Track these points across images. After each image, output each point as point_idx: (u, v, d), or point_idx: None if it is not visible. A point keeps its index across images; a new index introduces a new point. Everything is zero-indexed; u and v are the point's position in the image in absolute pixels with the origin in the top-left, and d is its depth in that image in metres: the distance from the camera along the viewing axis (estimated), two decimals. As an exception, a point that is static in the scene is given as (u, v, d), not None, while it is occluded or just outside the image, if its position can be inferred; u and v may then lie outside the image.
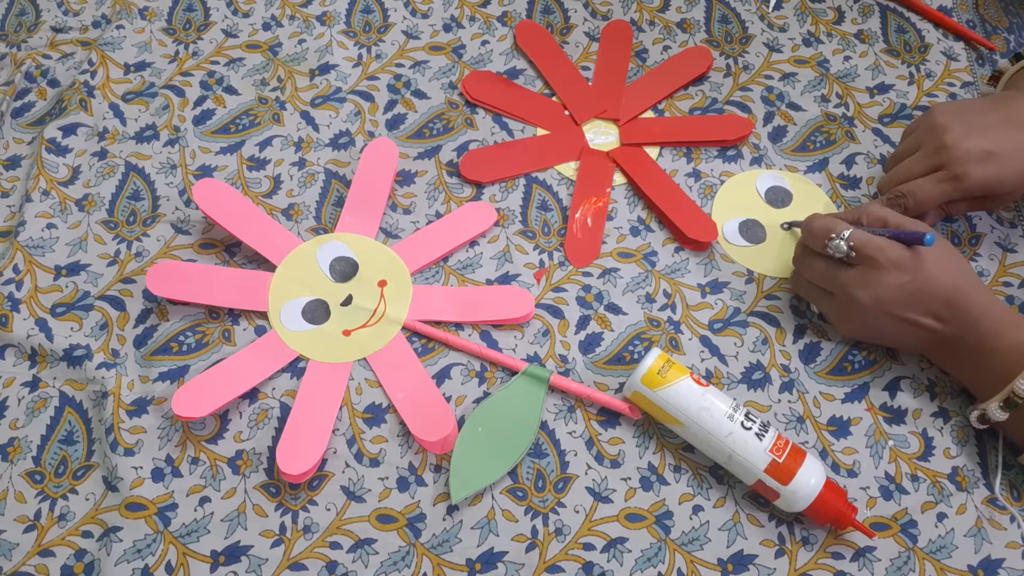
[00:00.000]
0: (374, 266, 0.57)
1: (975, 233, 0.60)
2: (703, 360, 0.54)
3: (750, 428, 0.48)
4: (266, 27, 0.69)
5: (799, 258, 0.54)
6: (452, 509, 0.49)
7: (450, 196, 0.61)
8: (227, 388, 0.51)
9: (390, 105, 0.65)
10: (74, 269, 0.57)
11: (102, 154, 0.62)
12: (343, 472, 0.50)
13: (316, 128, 0.64)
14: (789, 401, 0.53)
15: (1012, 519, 0.49)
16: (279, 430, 0.51)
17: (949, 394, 0.53)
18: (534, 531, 0.48)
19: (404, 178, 0.62)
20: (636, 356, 0.54)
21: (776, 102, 0.67)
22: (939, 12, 0.71)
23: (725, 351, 0.55)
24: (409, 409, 0.51)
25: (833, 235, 0.50)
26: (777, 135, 0.65)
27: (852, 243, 0.49)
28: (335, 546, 0.48)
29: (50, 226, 0.58)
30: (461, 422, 0.51)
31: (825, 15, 0.72)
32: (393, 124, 0.64)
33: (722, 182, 0.62)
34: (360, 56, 0.68)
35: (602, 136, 0.65)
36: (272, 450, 0.50)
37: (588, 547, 0.48)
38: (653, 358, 0.50)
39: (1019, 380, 0.46)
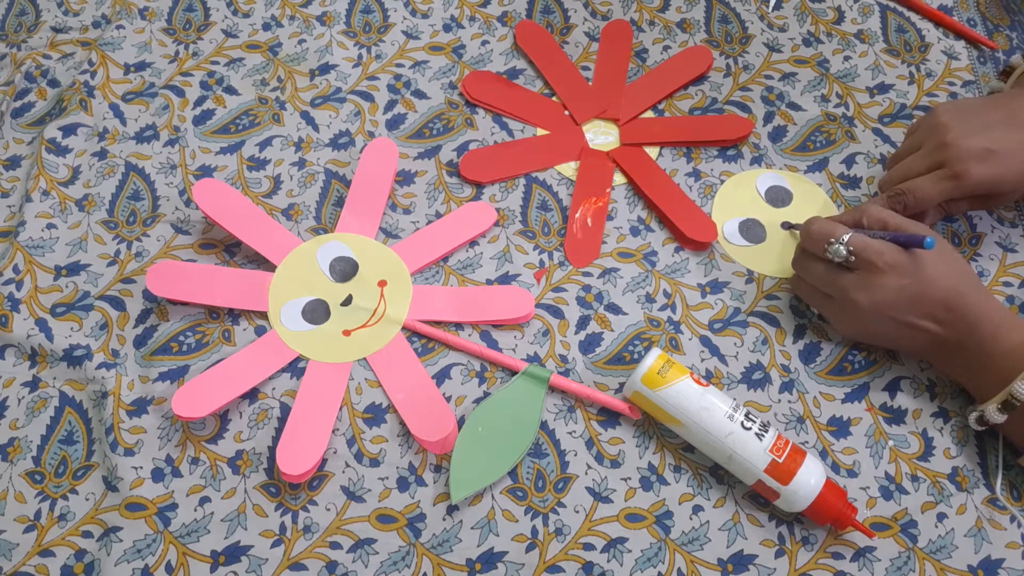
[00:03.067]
0: (374, 266, 0.57)
1: (975, 233, 0.60)
2: (703, 360, 0.54)
3: (750, 428, 0.48)
4: (266, 27, 0.69)
5: (798, 261, 0.54)
6: (452, 509, 0.49)
7: (450, 196, 0.61)
8: (227, 388, 0.51)
9: (390, 105, 0.65)
10: (74, 269, 0.57)
11: (102, 154, 0.62)
12: (343, 472, 0.50)
13: (316, 128, 0.64)
14: (789, 401, 0.53)
15: (1012, 519, 0.49)
16: (279, 430, 0.51)
17: (949, 394, 0.53)
18: (534, 531, 0.48)
19: (404, 178, 0.62)
20: (636, 356, 0.54)
21: (776, 102, 0.66)
22: (939, 11, 0.71)
23: (725, 351, 0.55)
24: (409, 409, 0.51)
25: (832, 240, 0.50)
26: (777, 135, 0.65)
27: (851, 247, 0.49)
28: (335, 546, 0.48)
29: (50, 226, 0.58)
30: (461, 422, 0.51)
31: (825, 15, 0.72)
32: (393, 124, 0.64)
33: (722, 182, 0.62)
34: (360, 56, 0.68)
35: (602, 136, 0.65)
36: (272, 450, 0.50)
37: (588, 547, 0.48)
38: (653, 358, 0.50)
39: (1017, 383, 0.46)
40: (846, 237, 0.49)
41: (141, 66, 0.66)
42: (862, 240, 0.49)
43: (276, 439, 0.51)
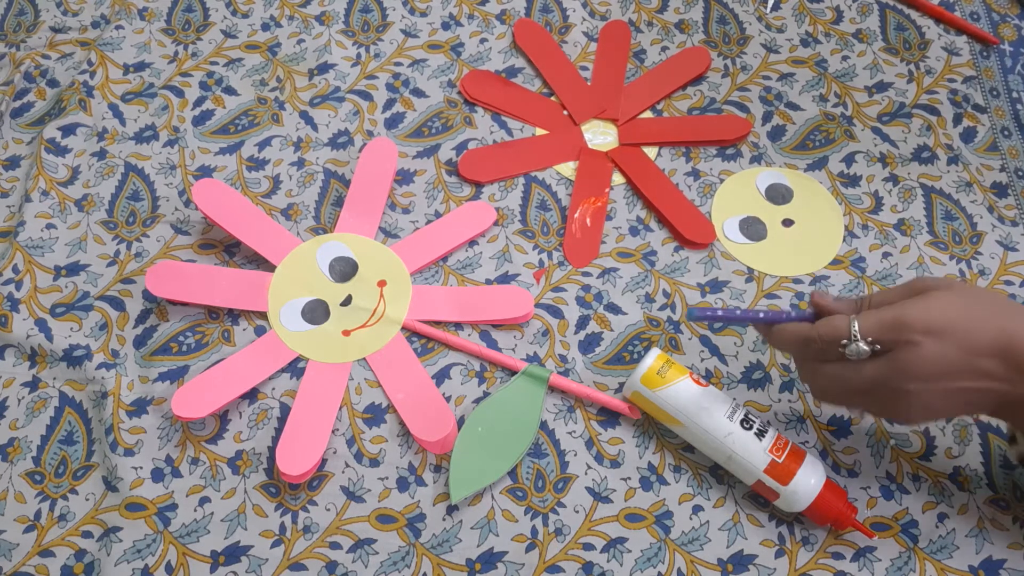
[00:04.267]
0: (374, 266, 0.57)
1: (976, 232, 0.60)
2: (703, 360, 0.54)
3: (750, 428, 0.48)
4: (265, 27, 0.69)
5: (815, 375, 0.44)
6: (452, 509, 0.49)
7: (449, 195, 0.61)
8: (227, 388, 0.51)
9: (389, 104, 0.65)
10: (74, 269, 0.57)
11: (101, 154, 0.62)
12: (343, 472, 0.50)
13: (315, 128, 0.64)
14: (789, 401, 0.53)
15: (1015, 519, 0.49)
16: (279, 430, 0.51)
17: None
18: (534, 531, 0.48)
19: (403, 177, 0.62)
20: (636, 356, 0.54)
21: (775, 102, 0.66)
22: (939, 7, 0.71)
23: (725, 351, 0.55)
24: (409, 409, 0.51)
25: (846, 340, 0.42)
26: (776, 134, 0.65)
27: (870, 338, 0.41)
28: (335, 546, 0.48)
29: (50, 226, 0.58)
30: (461, 422, 0.51)
31: (823, 15, 0.72)
32: (392, 123, 0.64)
33: (721, 181, 0.62)
34: (359, 55, 0.68)
35: (601, 136, 0.65)
36: (272, 450, 0.50)
37: (588, 547, 0.48)
38: (653, 358, 0.50)
39: None
40: (856, 328, 0.41)
41: (140, 66, 0.66)
42: (874, 322, 0.41)
43: (276, 439, 0.51)
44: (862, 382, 0.42)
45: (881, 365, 0.41)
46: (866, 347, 0.41)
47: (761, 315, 0.45)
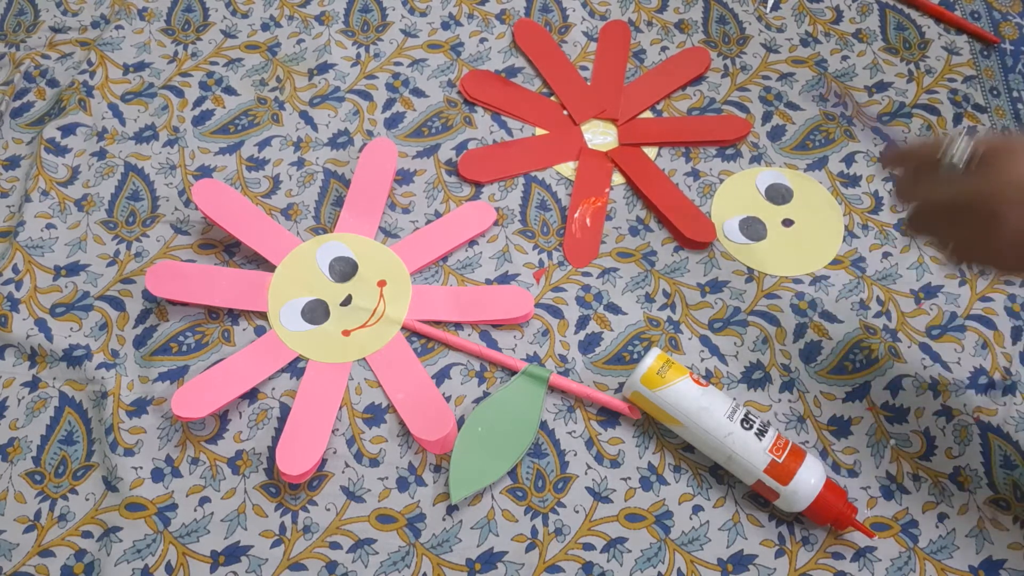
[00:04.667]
0: (373, 266, 0.57)
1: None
2: (703, 360, 0.54)
3: (750, 428, 0.48)
4: (265, 27, 0.69)
5: (909, 186, 0.42)
6: (452, 509, 0.49)
7: (449, 195, 0.61)
8: (227, 388, 0.51)
9: (389, 104, 0.65)
10: (74, 269, 0.57)
11: (101, 154, 0.62)
12: (343, 472, 0.50)
13: (315, 128, 0.64)
14: (789, 401, 0.53)
15: (1016, 520, 0.49)
16: (279, 430, 0.51)
17: (952, 392, 0.53)
18: (534, 531, 0.48)
19: (403, 177, 0.62)
20: (636, 356, 0.54)
21: (774, 102, 0.66)
22: (939, 7, 0.71)
23: (725, 351, 0.55)
24: (409, 409, 0.51)
25: (943, 152, 0.39)
26: (776, 134, 0.65)
27: (975, 142, 0.39)
28: (335, 546, 0.48)
29: (49, 226, 0.58)
30: (461, 422, 0.51)
31: (823, 15, 0.72)
32: (392, 123, 0.64)
33: (721, 181, 0.62)
34: (358, 55, 0.68)
35: (601, 136, 0.65)
36: (272, 450, 0.50)
37: (588, 547, 0.48)
38: (652, 358, 0.50)
39: None
40: (959, 140, 0.39)
41: (140, 66, 0.66)
42: (975, 141, 0.39)
43: (276, 439, 0.51)
44: (954, 194, 0.39)
45: (975, 177, 0.39)
46: (964, 148, 0.39)
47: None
